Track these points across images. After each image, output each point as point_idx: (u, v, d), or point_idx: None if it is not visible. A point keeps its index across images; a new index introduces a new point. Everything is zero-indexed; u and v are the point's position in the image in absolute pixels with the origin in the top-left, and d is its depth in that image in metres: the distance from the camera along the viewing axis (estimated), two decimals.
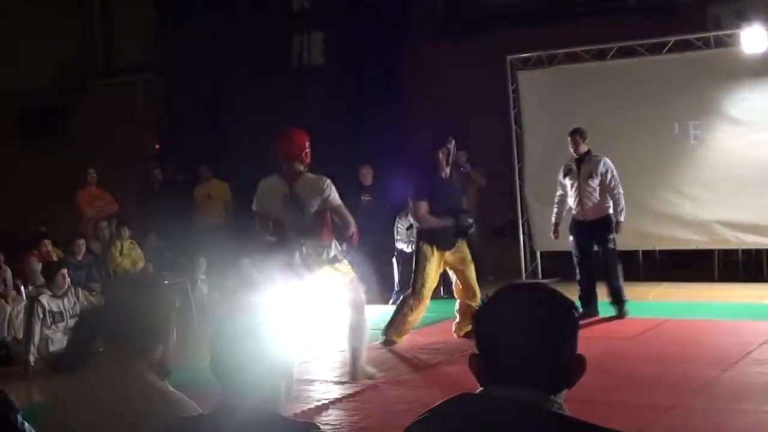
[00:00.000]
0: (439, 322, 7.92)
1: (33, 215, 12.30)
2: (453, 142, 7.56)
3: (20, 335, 7.88)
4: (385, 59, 12.75)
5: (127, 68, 15.15)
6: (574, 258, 8.56)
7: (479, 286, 7.71)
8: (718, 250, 10.63)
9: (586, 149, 8.45)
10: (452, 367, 6.49)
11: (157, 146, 14.07)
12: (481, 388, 1.74)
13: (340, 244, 6.22)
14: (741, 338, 7.11)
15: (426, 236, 7.55)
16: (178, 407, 2.20)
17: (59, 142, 14.85)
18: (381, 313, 9.59)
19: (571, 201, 8.49)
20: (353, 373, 6.08)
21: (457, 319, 7.72)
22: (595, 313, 8.36)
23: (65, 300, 7.74)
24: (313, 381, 6.45)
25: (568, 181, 8.51)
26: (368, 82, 12.50)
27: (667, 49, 10.53)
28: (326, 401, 5.90)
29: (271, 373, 2.10)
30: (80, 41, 15.60)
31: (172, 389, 2.27)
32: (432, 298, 7.82)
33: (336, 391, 6.09)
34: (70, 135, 14.89)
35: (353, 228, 6.13)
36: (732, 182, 10.17)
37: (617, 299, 8.34)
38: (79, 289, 8.09)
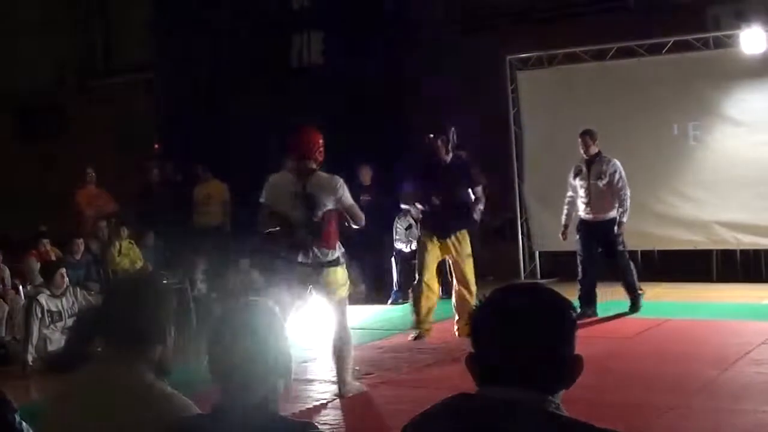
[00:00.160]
0: (437, 322, 7.91)
1: (32, 215, 12.29)
2: (453, 130, 7.58)
3: (19, 335, 7.88)
4: (385, 59, 12.74)
5: (126, 68, 15.14)
6: (578, 257, 8.60)
7: (478, 286, 7.70)
8: (717, 251, 10.63)
9: (597, 150, 8.52)
10: (450, 367, 6.48)
11: (156, 146, 14.06)
12: (478, 388, 1.74)
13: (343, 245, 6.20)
14: (740, 338, 7.12)
15: (423, 226, 7.81)
16: (177, 407, 2.20)
17: (58, 141, 14.84)
18: (380, 313, 9.62)
19: (580, 202, 8.55)
20: (339, 387, 6.02)
21: (456, 318, 7.72)
22: (594, 313, 8.42)
23: (64, 299, 7.73)
24: (311, 381, 6.46)
25: (578, 182, 8.57)
26: (368, 82, 12.49)
27: (666, 49, 10.53)
28: (324, 401, 5.90)
29: (268, 372, 2.10)
30: (80, 41, 15.59)
31: (170, 389, 2.26)
32: None
33: (334, 391, 6.08)
34: (69, 135, 14.88)
35: (362, 224, 6.12)
36: (731, 183, 10.18)
37: (632, 296, 8.52)
38: (78, 289, 8.08)
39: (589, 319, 8.14)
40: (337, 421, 5.48)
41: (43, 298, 7.61)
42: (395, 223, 10.52)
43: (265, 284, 9.31)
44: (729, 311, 8.59)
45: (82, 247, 10.11)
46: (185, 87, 13.84)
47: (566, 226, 8.74)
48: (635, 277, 8.60)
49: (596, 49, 10.91)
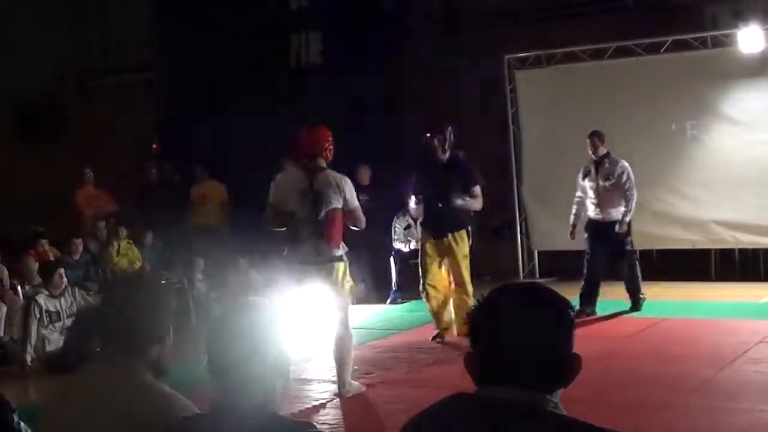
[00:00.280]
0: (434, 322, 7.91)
1: (31, 215, 12.28)
2: (450, 129, 7.57)
3: (17, 335, 7.87)
4: (383, 59, 12.74)
5: (125, 68, 15.12)
6: (585, 255, 8.67)
7: (476, 285, 7.69)
8: (716, 250, 10.64)
9: (605, 151, 8.57)
10: (448, 366, 6.49)
11: (155, 146, 14.05)
12: (477, 388, 1.74)
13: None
14: (738, 337, 7.13)
15: (423, 226, 7.90)
16: (175, 407, 2.20)
17: (58, 141, 14.83)
18: (379, 313, 9.62)
19: (589, 202, 8.61)
20: (339, 386, 6.03)
21: (453, 316, 7.72)
22: (593, 312, 8.46)
23: (62, 300, 7.73)
24: (310, 380, 6.46)
25: (587, 183, 8.63)
26: (366, 82, 12.49)
27: (664, 48, 10.53)
28: (323, 401, 5.91)
29: (267, 372, 2.10)
30: (79, 40, 15.58)
31: (169, 389, 2.27)
32: None
33: (333, 391, 6.08)
34: (68, 134, 14.87)
35: (362, 227, 6.15)
36: (729, 182, 10.18)
37: (635, 295, 8.58)
38: (76, 289, 8.08)
39: (587, 318, 8.16)
40: (336, 421, 5.48)
41: (41, 299, 7.61)
42: (394, 222, 10.52)
43: (264, 283, 9.32)
44: (727, 310, 8.60)
45: (80, 248, 10.11)
46: (184, 87, 13.84)
47: (574, 226, 8.81)
48: (640, 279, 8.65)
49: (594, 49, 10.92)
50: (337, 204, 5.88)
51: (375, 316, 9.34)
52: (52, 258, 9.39)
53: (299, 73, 12.91)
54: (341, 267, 5.92)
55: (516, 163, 11.53)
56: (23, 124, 15.53)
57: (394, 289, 10.31)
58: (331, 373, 6.61)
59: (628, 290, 8.63)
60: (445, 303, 7.70)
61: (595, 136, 8.57)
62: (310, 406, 5.77)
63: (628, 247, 8.55)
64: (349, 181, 6.03)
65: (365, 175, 10.82)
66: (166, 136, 14.13)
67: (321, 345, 6.90)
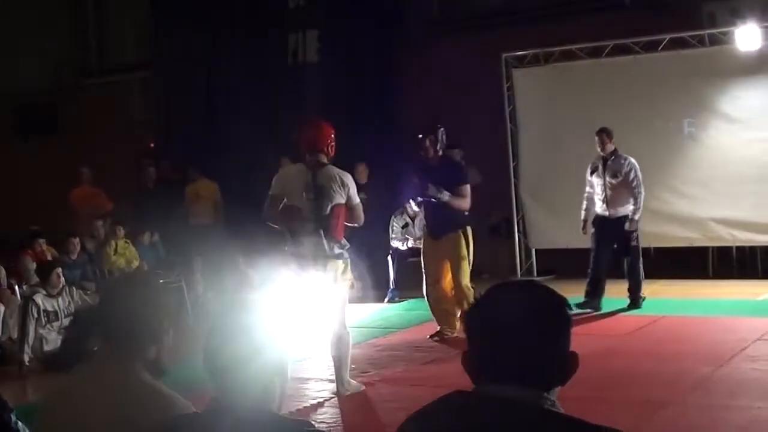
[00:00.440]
0: (433, 321, 7.91)
1: (28, 214, 12.27)
2: (442, 129, 7.57)
3: (15, 335, 7.86)
4: (381, 57, 12.74)
5: (122, 67, 15.12)
6: (591, 252, 8.75)
7: (474, 284, 7.69)
8: (713, 248, 10.66)
9: (613, 148, 8.65)
10: (446, 365, 6.49)
11: (152, 144, 14.04)
12: (474, 386, 1.74)
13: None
14: (736, 335, 7.13)
15: (425, 225, 7.91)
16: (173, 406, 2.20)
17: (54, 140, 14.81)
18: (377, 311, 9.62)
19: (597, 198, 8.68)
20: (338, 385, 6.03)
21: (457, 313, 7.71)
22: (599, 307, 8.53)
23: (60, 299, 7.72)
24: (308, 379, 6.46)
25: (594, 179, 8.70)
26: (364, 81, 12.49)
27: (662, 46, 10.54)
28: (321, 399, 5.91)
29: (265, 371, 2.09)
30: (76, 40, 15.57)
31: (166, 389, 2.26)
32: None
33: (331, 390, 6.08)
34: (65, 133, 14.86)
35: (360, 224, 6.18)
36: (727, 180, 10.19)
37: (635, 293, 8.62)
38: (74, 289, 8.07)
39: (585, 316, 8.17)
40: (334, 420, 5.48)
41: (39, 298, 7.60)
42: (392, 221, 10.52)
43: (262, 282, 9.31)
44: (725, 308, 8.61)
45: (78, 247, 10.09)
46: (182, 86, 13.83)
47: (585, 221, 8.88)
48: (642, 277, 8.69)
49: (592, 47, 10.92)
50: (340, 200, 5.90)
51: (373, 315, 9.34)
52: (49, 257, 9.38)
53: (296, 72, 12.91)
54: (341, 264, 5.92)
55: (514, 162, 11.53)
56: (21, 123, 15.51)
57: (391, 287, 10.31)
58: (329, 371, 6.60)
59: (630, 288, 8.66)
60: (444, 309, 7.68)
61: (603, 133, 8.66)
62: (308, 404, 5.77)
63: (633, 243, 8.60)
64: (351, 177, 6.07)
65: (363, 173, 10.82)
66: (162, 135, 14.13)
67: (319, 343, 6.90)
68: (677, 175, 10.49)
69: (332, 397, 5.94)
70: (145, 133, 14.18)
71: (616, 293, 8.83)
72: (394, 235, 10.51)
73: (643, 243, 10.59)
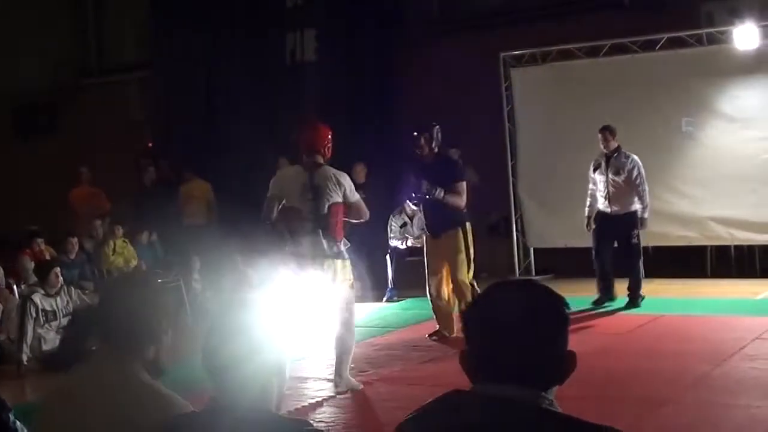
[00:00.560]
0: (431, 320, 7.92)
1: (27, 214, 12.26)
2: (437, 128, 7.58)
3: (13, 334, 7.86)
4: (379, 56, 12.74)
5: (121, 67, 15.12)
6: (593, 249, 8.81)
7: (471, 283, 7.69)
8: (712, 247, 10.66)
9: (616, 146, 8.71)
10: (444, 364, 6.49)
11: (150, 144, 14.04)
12: (472, 385, 1.74)
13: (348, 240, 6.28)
14: (734, 334, 7.14)
15: (424, 225, 7.86)
16: (171, 406, 2.20)
17: (53, 140, 14.81)
18: (375, 311, 9.62)
19: (599, 195, 8.74)
20: (336, 381, 6.06)
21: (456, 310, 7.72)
22: (614, 297, 8.70)
23: (58, 299, 7.72)
24: (306, 378, 6.46)
25: (597, 176, 8.76)
26: (362, 80, 12.49)
27: (659, 46, 10.54)
28: (320, 398, 5.91)
29: (264, 370, 2.10)
30: (75, 40, 15.56)
31: (165, 389, 2.26)
32: (425, 297, 7.84)
33: (329, 389, 6.09)
34: (64, 133, 14.85)
35: (366, 218, 6.25)
36: (725, 179, 10.20)
37: (634, 291, 8.65)
38: (72, 288, 8.07)
39: (584, 315, 8.18)
40: (333, 419, 5.48)
41: (37, 298, 7.60)
42: (390, 220, 10.52)
43: (261, 281, 9.30)
44: (723, 307, 8.62)
45: (76, 247, 10.09)
46: (179, 85, 13.83)
47: (590, 218, 8.92)
48: (642, 275, 8.72)
49: (590, 46, 10.93)
50: (338, 199, 5.96)
51: (371, 314, 9.34)
52: (47, 257, 9.37)
53: (294, 71, 12.91)
54: (340, 264, 5.95)
55: (512, 161, 11.53)
56: (21, 123, 15.51)
57: (390, 286, 10.31)
58: (328, 371, 6.61)
59: (629, 286, 8.70)
60: (445, 302, 7.69)
61: (607, 131, 8.72)
62: (306, 404, 5.77)
63: (635, 241, 8.63)
64: (347, 176, 6.12)
65: (361, 173, 10.82)
66: (160, 134, 14.12)
67: (318, 343, 6.91)
68: (675, 175, 10.50)
69: (331, 397, 5.94)
70: (144, 133, 14.18)
71: (615, 292, 8.85)
72: (392, 235, 10.51)
73: (642, 242, 10.63)
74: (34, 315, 7.50)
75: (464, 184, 7.57)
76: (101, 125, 14.26)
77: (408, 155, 8.05)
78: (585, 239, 9.15)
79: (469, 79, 11.60)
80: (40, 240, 9.86)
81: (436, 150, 7.59)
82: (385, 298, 10.23)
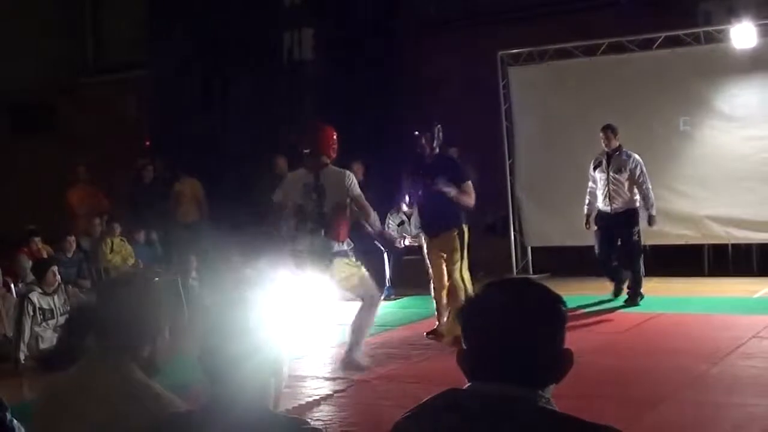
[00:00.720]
0: (429, 318, 7.92)
1: (24, 212, 12.26)
2: (439, 127, 7.56)
3: (10, 333, 7.85)
4: (376, 55, 12.73)
5: (117, 66, 15.11)
6: (596, 249, 8.84)
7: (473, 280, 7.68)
8: (709, 245, 10.67)
9: (617, 144, 8.73)
10: (441, 362, 6.48)
11: (147, 143, 14.04)
12: (469, 384, 1.74)
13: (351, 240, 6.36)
14: (731, 332, 7.15)
15: (421, 225, 7.87)
16: (168, 406, 2.19)
17: (50, 139, 14.80)
18: None
19: (599, 193, 8.76)
20: (346, 359, 6.22)
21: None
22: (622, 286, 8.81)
23: (55, 297, 7.71)
24: (304, 377, 6.45)
25: (598, 174, 8.78)
26: (359, 79, 12.48)
27: (657, 44, 10.55)
28: (317, 397, 5.90)
29: (261, 369, 2.09)
30: (71, 39, 15.55)
31: (161, 388, 2.26)
32: (422, 295, 7.83)
33: (327, 388, 6.09)
34: (61, 132, 14.85)
35: (372, 216, 6.35)
36: (722, 178, 10.21)
37: (634, 289, 8.69)
38: (69, 287, 8.07)
39: (580, 314, 8.18)
40: (330, 417, 5.48)
41: (34, 296, 7.59)
42: (387, 219, 10.52)
43: (260, 280, 9.29)
44: (720, 305, 8.62)
45: (73, 245, 10.09)
46: (176, 84, 13.82)
47: (588, 216, 8.95)
48: (642, 272, 8.76)
49: (587, 45, 10.93)
50: (341, 199, 6.02)
51: None
52: (45, 255, 9.36)
53: (291, 70, 12.90)
54: (342, 262, 6.03)
55: (509, 159, 11.53)
56: (18, 121, 15.50)
57: (387, 285, 10.31)
58: (326, 369, 6.63)
59: (629, 284, 8.74)
60: (442, 306, 7.66)
61: (609, 129, 8.76)
62: (304, 402, 5.76)
63: (635, 238, 8.65)
64: (351, 174, 6.28)
65: (358, 172, 10.77)
66: (156, 132, 14.12)
67: (316, 341, 6.91)
68: (673, 173, 10.51)
69: (329, 395, 5.94)
70: (141, 131, 14.17)
71: (611, 291, 8.87)
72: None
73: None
74: (31, 313, 7.49)
75: (471, 183, 7.56)
76: (98, 124, 14.25)
77: (407, 154, 8.04)
78: (583, 238, 9.17)
79: (466, 77, 11.60)
80: (37, 238, 9.86)
81: (437, 149, 7.56)
82: (382, 297, 10.21)
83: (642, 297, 8.70)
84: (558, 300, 1.76)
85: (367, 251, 10.24)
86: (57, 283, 7.79)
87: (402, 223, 10.51)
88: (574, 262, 10.11)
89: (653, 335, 7.46)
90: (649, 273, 9.21)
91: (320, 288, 6.06)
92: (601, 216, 8.78)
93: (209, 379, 2.09)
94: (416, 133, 7.60)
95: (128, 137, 13.92)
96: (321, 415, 5.52)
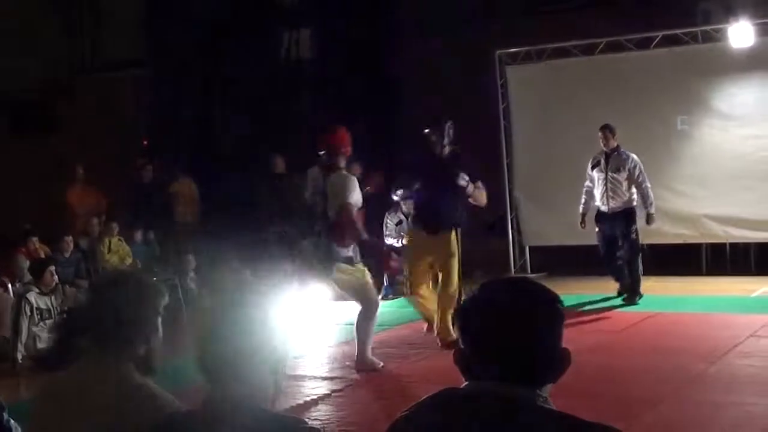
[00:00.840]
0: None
1: (23, 212, 12.24)
2: (450, 124, 7.37)
3: (8, 333, 7.84)
4: (374, 54, 12.74)
5: (115, 65, 15.09)
6: (600, 249, 8.88)
7: (467, 281, 7.63)
8: (707, 244, 10.68)
9: (616, 144, 8.76)
10: (439, 361, 6.48)
11: (145, 142, 14.03)
12: (467, 383, 1.74)
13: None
14: (729, 331, 7.15)
15: (414, 220, 7.68)
16: (164, 405, 2.19)
17: (49, 138, 14.79)
18: None
19: (597, 193, 8.77)
20: (358, 362, 6.32)
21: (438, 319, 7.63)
22: (621, 293, 8.84)
23: (53, 297, 7.70)
24: (302, 377, 6.45)
25: (596, 174, 8.80)
26: (357, 78, 12.48)
27: (655, 44, 10.55)
28: (315, 397, 5.90)
29: (259, 368, 2.09)
30: (69, 38, 15.53)
31: (157, 387, 2.25)
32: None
33: (325, 387, 6.10)
34: (60, 131, 14.83)
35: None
36: (720, 176, 10.22)
37: (633, 288, 8.73)
38: (67, 287, 8.05)
39: (578, 313, 8.19)
40: (328, 417, 5.48)
41: (32, 296, 7.58)
42: (386, 218, 10.52)
43: (259, 280, 9.29)
44: (718, 304, 8.63)
45: (71, 245, 10.07)
46: (174, 83, 13.82)
47: (584, 215, 8.98)
48: (640, 271, 8.79)
49: (585, 44, 10.93)
50: (346, 201, 6.07)
51: None
52: (42, 255, 9.35)
53: (290, 69, 12.91)
54: (345, 267, 6.06)
55: (507, 159, 11.53)
56: (16, 121, 15.48)
57: (385, 284, 10.31)
58: (325, 369, 6.63)
59: (629, 281, 8.77)
60: (427, 310, 7.55)
61: (607, 129, 8.79)
62: (302, 402, 5.76)
63: (633, 237, 8.68)
64: (354, 180, 6.34)
65: (356, 170, 10.81)
66: (154, 132, 14.11)
67: (314, 341, 6.90)
68: (670, 172, 10.51)
69: (327, 395, 5.94)
70: (140, 130, 14.16)
71: (610, 290, 8.86)
72: (388, 233, 10.50)
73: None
74: (28, 313, 7.48)
75: (480, 182, 7.49)
76: (96, 123, 14.24)
77: (405, 153, 7.99)
78: (580, 237, 9.17)
79: (463, 76, 11.60)
80: (34, 238, 9.85)
81: (447, 147, 7.30)
82: (380, 296, 10.22)
83: (640, 296, 8.71)
84: (556, 299, 1.76)
85: (364, 250, 10.27)
86: (54, 283, 7.78)
87: (400, 222, 10.50)
88: (571, 262, 10.12)
89: (651, 334, 7.46)
90: (647, 272, 9.22)
91: (319, 288, 6.07)
92: (600, 216, 8.79)
93: (208, 379, 2.09)
94: (426, 129, 7.41)
95: (127, 137, 13.91)
96: (319, 414, 5.51)
